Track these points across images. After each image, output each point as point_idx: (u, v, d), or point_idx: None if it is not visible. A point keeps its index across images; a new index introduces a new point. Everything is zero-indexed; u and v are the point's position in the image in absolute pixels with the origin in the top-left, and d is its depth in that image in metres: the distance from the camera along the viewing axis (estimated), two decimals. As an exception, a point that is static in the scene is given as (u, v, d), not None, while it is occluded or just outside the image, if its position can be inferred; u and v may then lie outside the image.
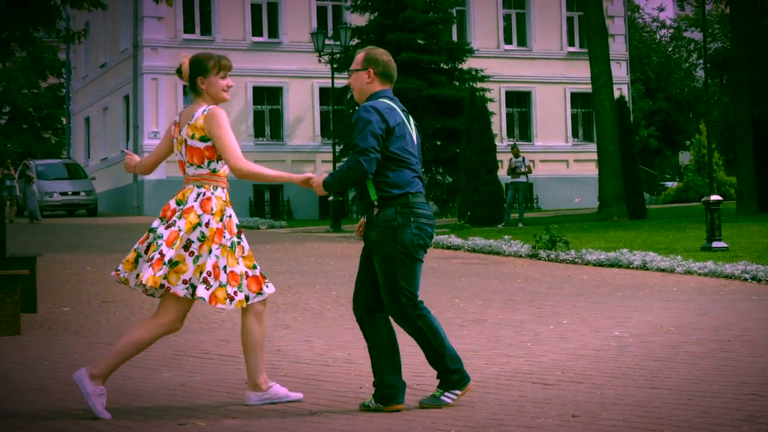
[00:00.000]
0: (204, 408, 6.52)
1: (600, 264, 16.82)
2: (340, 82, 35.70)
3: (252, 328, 6.51)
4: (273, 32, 41.62)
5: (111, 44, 44.54)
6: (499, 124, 42.32)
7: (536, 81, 44.64)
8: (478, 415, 6.06)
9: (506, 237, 21.03)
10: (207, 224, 6.35)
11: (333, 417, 6.17)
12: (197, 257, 6.31)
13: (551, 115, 44.76)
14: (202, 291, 6.26)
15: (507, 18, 45.24)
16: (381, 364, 6.36)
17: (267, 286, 6.53)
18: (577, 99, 45.35)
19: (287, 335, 10.03)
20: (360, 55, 6.51)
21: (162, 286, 6.30)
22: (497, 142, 32.70)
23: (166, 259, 6.26)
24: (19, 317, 10.65)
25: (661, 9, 61.99)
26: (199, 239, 6.34)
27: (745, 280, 13.99)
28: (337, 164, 33.17)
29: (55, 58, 53.72)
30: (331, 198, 29.54)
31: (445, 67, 38.78)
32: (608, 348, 8.55)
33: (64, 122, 54.75)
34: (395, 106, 6.38)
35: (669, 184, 53.49)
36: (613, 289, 13.54)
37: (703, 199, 19.11)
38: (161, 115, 40.13)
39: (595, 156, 33.25)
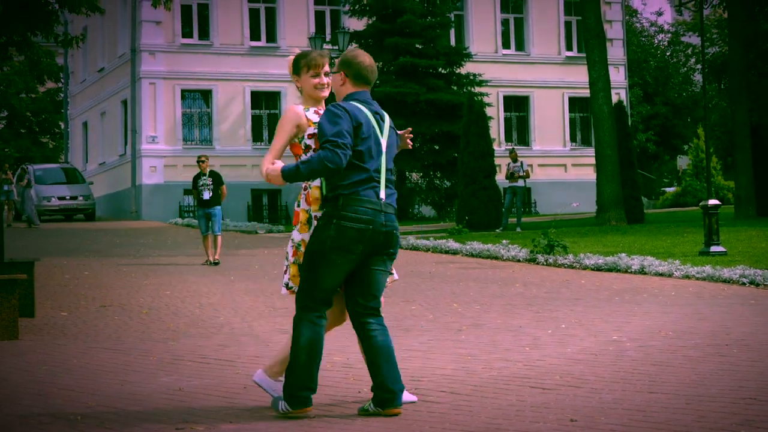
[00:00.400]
0: (202, 412, 6.51)
1: (598, 268, 16.82)
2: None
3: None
4: (271, 37, 41.62)
5: (109, 49, 44.54)
6: (497, 128, 42.33)
7: (534, 85, 44.66)
8: (477, 420, 6.06)
9: (504, 241, 21.03)
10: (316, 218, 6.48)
11: (331, 421, 6.17)
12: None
13: (549, 120, 44.77)
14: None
15: (505, 22, 45.27)
16: (377, 369, 6.34)
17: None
18: (575, 103, 45.37)
19: (286, 340, 10.02)
20: (339, 58, 6.58)
21: None
22: (495, 147, 32.71)
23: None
24: (17, 322, 10.65)
25: (659, 14, 62.05)
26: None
27: (743, 284, 13.99)
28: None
29: (53, 63, 53.73)
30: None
31: (443, 71, 38.81)
32: (606, 352, 8.54)
33: (62, 127, 54.73)
34: (363, 107, 6.37)
35: (669, 189, 53.49)
36: (611, 293, 13.54)
37: (701, 204, 19.12)
38: (159, 119, 40.12)
39: (593, 160, 33.27)
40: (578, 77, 42.18)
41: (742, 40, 31.58)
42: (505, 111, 44.43)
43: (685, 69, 60.37)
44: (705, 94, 23.23)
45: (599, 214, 29.31)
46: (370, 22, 38.70)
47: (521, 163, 28.62)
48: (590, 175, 38.79)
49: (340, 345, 9.31)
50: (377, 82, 37.63)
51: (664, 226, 26.98)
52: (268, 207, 40.88)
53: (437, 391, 7.01)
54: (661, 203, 47.23)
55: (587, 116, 43.44)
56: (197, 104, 41.10)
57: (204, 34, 41.09)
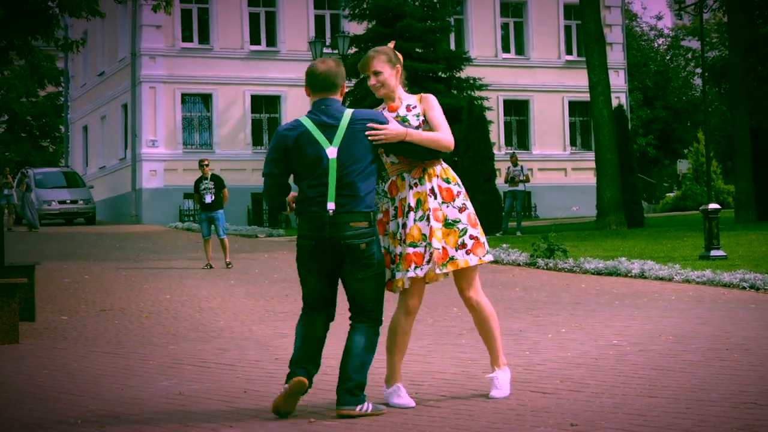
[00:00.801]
0: (202, 416, 6.51)
1: (598, 272, 16.82)
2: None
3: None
4: (271, 41, 41.65)
5: (109, 53, 44.56)
6: (497, 132, 42.35)
7: (534, 89, 44.67)
8: (477, 424, 6.06)
9: (504, 245, 21.03)
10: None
11: (331, 426, 6.17)
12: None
13: (549, 124, 44.78)
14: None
15: (505, 27, 45.29)
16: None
17: (420, 269, 6.66)
18: (575, 107, 45.38)
19: (286, 344, 10.03)
20: None
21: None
22: (495, 151, 32.73)
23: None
24: (18, 325, 10.65)
25: (659, 18, 62.07)
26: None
27: (744, 288, 13.99)
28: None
29: (54, 67, 53.71)
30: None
31: (443, 75, 38.81)
32: (606, 356, 8.54)
33: (63, 131, 54.75)
34: (307, 120, 6.58)
35: (671, 194, 53.49)
36: (612, 297, 13.54)
37: (701, 208, 19.11)
38: (159, 123, 40.13)
39: (593, 164, 33.28)
40: (578, 81, 42.20)
41: (742, 44, 31.59)
42: (505, 115, 44.44)
43: (685, 73, 60.39)
44: (705, 98, 23.24)
45: (599, 218, 29.31)
46: (370, 26, 38.70)
47: (521, 167, 28.62)
48: (590, 179, 38.80)
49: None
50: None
51: (664, 230, 26.99)
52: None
53: (437, 395, 7.01)
54: (661, 207, 47.24)
55: (587, 120, 43.46)
56: (197, 108, 41.12)
57: (204, 38, 41.10)
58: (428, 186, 6.62)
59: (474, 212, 6.77)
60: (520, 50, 45.25)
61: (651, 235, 25.35)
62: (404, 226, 6.59)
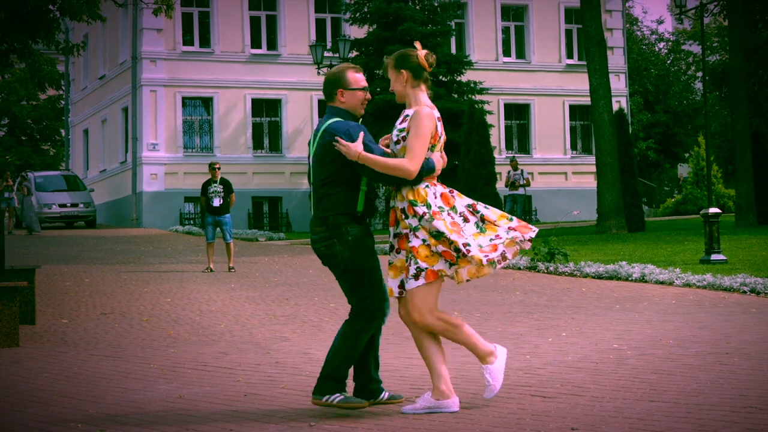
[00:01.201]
0: (202, 420, 6.51)
1: (599, 276, 16.82)
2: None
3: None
4: (272, 44, 41.65)
5: (110, 56, 44.58)
6: (497, 136, 42.34)
7: (535, 93, 44.67)
8: (477, 428, 6.06)
9: (505, 249, 21.01)
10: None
11: (331, 429, 6.16)
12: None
13: (550, 128, 44.78)
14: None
15: (506, 30, 45.30)
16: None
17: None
18: (575, 111, 45.37)
19: (286, 347, 10.03)
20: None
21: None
22: (496, 155, 32.73)
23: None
24: (18, 329, 10.65)
25: (660, 22, 62.09)
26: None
27: (744, 292, 13.99)
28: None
29: (54, 70, 53.77)
30: None
31: (444, 79, 38.82)
32: (607, 361, 8.54)
33: (63, 134, 54.78)
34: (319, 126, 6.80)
35: (672, 198, 53.49)
36: (612, 301, 13.53)
37: (701, 212, 19.11)
38: (160, 127, 40.14)
39: (593, 168, 33.26)
40: (579, 85, 42.21)
41: (742, 49, 31.60)
42: (505, 119, 44.43)
43: (686, 77, 60.42)
44: (706, 102, 23.26)
45: (600, 222, 29.30)
46: (370, 29, 38.73)
47: (521, 171, 28.64)
48: (591, 183, 38.80)
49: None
50: (378, 90, 37.71)
51: (664, 234, 26.98)
52: (268, 215, 40.88)
53: (438, 399, 6.99)
54: (661, 211, 47.22)
55: (588, 124, 43.47)
56: (198, 112, 41.12)
57: (205, 41, 41.11)
58: (399, 205, 6.61)
59: (450, 226, 6.55)
60: (520, 54, 45.26)
61: (651, 239, 25.34)
62: (397, 236, 6.66)
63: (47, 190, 39.80)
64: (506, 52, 45.01)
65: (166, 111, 40.23)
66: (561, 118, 45.07)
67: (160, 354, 9.76)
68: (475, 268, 6.55)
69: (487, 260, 6.47)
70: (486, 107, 37.71)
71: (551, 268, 18.04)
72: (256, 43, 41.48)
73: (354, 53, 38.36)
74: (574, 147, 45.51)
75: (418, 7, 38.80)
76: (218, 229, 20.01)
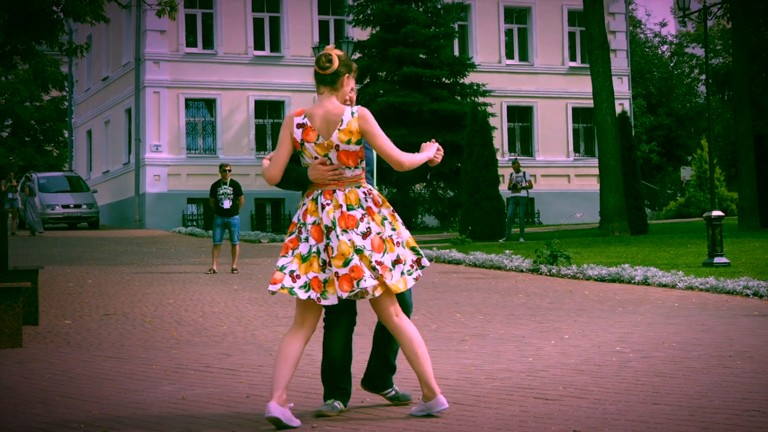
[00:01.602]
0: (205, 421, 6.51)
1: (601, 279, 16.82)
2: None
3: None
4: (275, 46, 41.68)
5: (113, 58, 44.61)
6: (500, 138, 42.36)
7: (538, 96, 44.68)
8: (480, 431, 6.06)
9: (507, 252, 21.03)
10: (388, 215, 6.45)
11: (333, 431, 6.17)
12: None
13: (553, 130, 44.78)
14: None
15: (509, 33, 45.31)
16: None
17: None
18: (578, 114, 45.37)
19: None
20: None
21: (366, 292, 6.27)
22: (498, 157, 32.71)
23: (390, 263, 6.31)
24: (21, 330, 10.66)
25: (663, 24, 62.09)
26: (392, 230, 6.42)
27: (747, 295, 13.99)
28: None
29: (58, 72, 53.83)
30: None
31: (446, 81, 38.84)
32: (610, 363, 8.54)
33: (66, 135, 54.82)
34: None
35: (675, 201, 53.44)
36: (615, 304, 13.53)
37: (704, 215, 19.11)
38: (163, 128, 40.17)
39: (596, 171, 33.26)
40: (582, 87, 42.22)
41: (745, 51, 31.60)
42: (508, 121, 44.44)
43: (689, 80, 60.41)
44: (709, 105, 23.29)
45: (602, 224, 29.30)
46: (374, 32, 38.75)
47: (524, 173, 28.63)
48: (594, 185, 38.80)
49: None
50: (380, 92, 37.73)
51: (667, 237, 26.97)
52: (271, 216, 40.90)
53: (440, 401, 6.99)
54: (664, 214, 47.20)
55: (591, 127, 43.46)
56: (201, 113, 41.16)
57: (208, 43, 41.15)
58: (337, 212, 6.35)
59: (390, 233, 6.38)
60: (523, 56, 45.27)
61: (654, 242, 25.34)
62: (327, 247, 6.30)
63: (50, 191, 39.85)
64: (509, 55, 45.03)
65: (169, 112, 40.26)
66: (564, 121, 45.07)
67: (163, 355, 9.77)
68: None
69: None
70: (489, 109, 37.72)
71: (554, 271, 18.04)
72: (259, 44, 41.51)
73: (357, 55, 38.38)
74: (576, 149, 45.51)
75: (421, 10, 38.83)
76: (226, 231, 20.04)
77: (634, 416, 6.29)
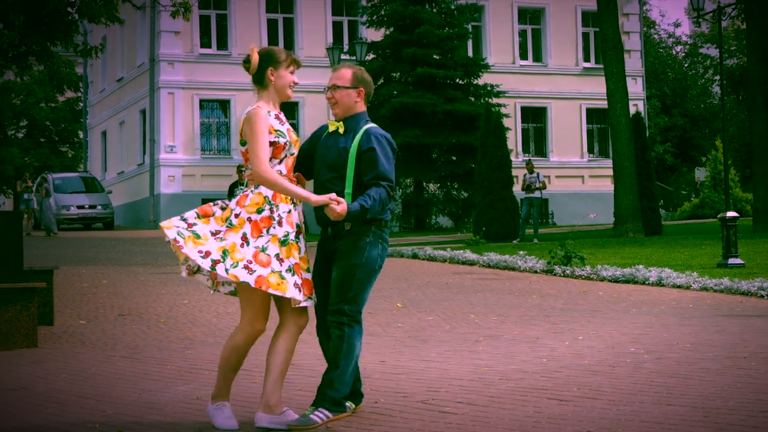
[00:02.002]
0: (220, 422, 6.52)
1: (615, 280, 16.79)
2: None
3: (280, 346, 6.43)
4: (289, 47, 41.73)
5: (128, 59, 44.74)
6: (514, 139, 42.35)
7: (552, 96, 44.65)
8: (494, 431, 6.06)
9: (521, 252, 21.01)
10: (237, 215, 6.26)
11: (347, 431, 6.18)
12: (222, 240, 6.24)
13: (567, 131, 44.75)
14: (244, 275, 6.14)
15: (522, 33, 45.29)
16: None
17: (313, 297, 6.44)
18: (592, 115, 45.33)
19: (301, 349, 10.04)
20: (347, 72, 6.52)
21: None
22: (512, 158, 32.70)
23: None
24: (37, 330, 10.70)
25: (677, 25, 62.07)
26: (227, 226, 6.28)
27: (762, 296, 13.95)
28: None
29: (73, 73, 53.92)
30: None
31: (460, 82, 38.84)
32: (624, 364, 8.53)
33: (81, 136, 54.97)
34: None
35: (690, 202, 53.35)
36: (629, 305, 13.52)
37: (719, 216, 19.06)
38: (177, 129, 40.26)
39: (610, 172, 33.21)
40: (596, 88, 42.16)
41: (760, 52, 31.49)
42: (522, 122, 44.43)
43: (703, 80, 60.29)
44: (723, 105, 23.23)
45: (617, 225, 29.24)
46: (387, 32, 38.77)
47: (537, 174, 28.62)
48: (608, 186, 38.74)
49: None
50: (394, 92, 37.73)
51: (681, 238, 26.90)
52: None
53: (454, 402, 7.00)
54: (678, 215, 47.12)
55: (605, 127, 43.40)
56: (215, 114, 41.24)
57: (222, 44, 41.23)
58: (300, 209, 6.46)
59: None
60: (537, 57, 45.25)
61: (668, 242, 25.28)
62: (295, 243, 6.35)
63: (66, 192, 39.98)
64: (523, 55, 45.01)
65: (184, 113, 40.35)
66: (578, 122, 45.04)
67: (178, 355, 9.79)
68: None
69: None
70: (503, 110, 37.70)
71: (568, 272, 18.02)
72: (273, 45, 41.49)
73: (371, 56, 38.41)
74: (591, 150, 45.47)
75: (435, 10, 38.84)
76: None
77: (648, 417, 6.29)
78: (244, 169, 6.59)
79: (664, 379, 7.70)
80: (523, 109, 44.39)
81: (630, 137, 29.23)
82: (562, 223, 42.29)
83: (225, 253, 6.18)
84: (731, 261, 18.09)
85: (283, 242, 6.26)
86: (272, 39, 41.50)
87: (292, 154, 6.44)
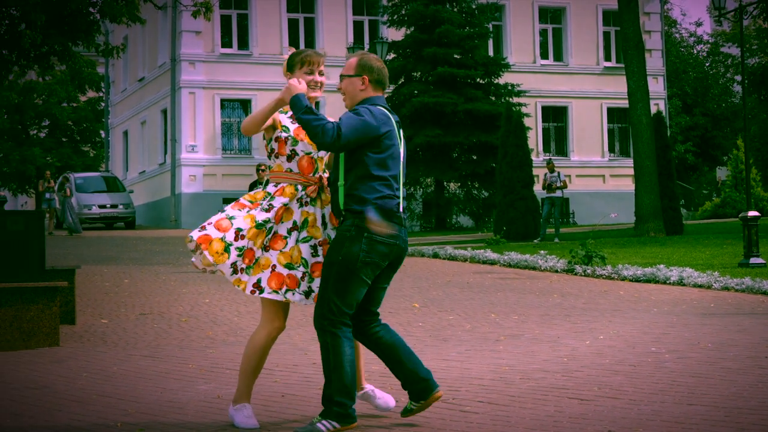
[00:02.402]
0: (241, 420, 6.54)
1: (636, 279, 16.75)
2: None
3: (248, 343, 6.51)
4: (310, 46, 41.74)
5: (149, 58, 44.87)
6: (535, 138, 42.27)
7: (572, 96, 44.55)
8: (514, 431, 6.06)
9: (542, 252, 20.98)
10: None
11: (368, 428, 6.18)
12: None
13: (587, 130, 44.65)
14: (194, 231, 6.29)
15: (543, 33, 45.20)
16: (399, 365, 6.32)
17: (293, 293, 6.32)
18: (613, 114, 45.21)
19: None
20: (353, 60, 6.36)
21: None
22: (533, 157, 32.64)
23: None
24: (59, 329, 10.75)
25: (699, 24, 61.75)
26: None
27: (784, 296, 13.90)
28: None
29: (94, 72, 54.13)
30: None
31: (481, 81, 38.80)
32: (645, 364, 8.51)
33: (103, 136, 55.15)
34: (390, 114, 6.24)
35: (711, 201, 53.15)
36: (650, 304, 13.48)
37: (740, 215, 18.99)
38: (199, 128, 40.35)
39: (631, 171, 33.11)
40: (617, 87, 42.04)
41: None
42: (543, 121, 44.35)
43: (725, 80, 60.03)
44: (745, 105, 23.09)
45: (638, 225, 29.16)
46: (408, 32, 38.76)
47: (558, 173, 28.57)
48: (629, 185, 38.62)
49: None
50: (415, 92, 37.72)
51: (703, 238, 26.81)
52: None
53: (475, 401, 7.01)
54: (700, 214, 46.93)
55: (626, 127, 43.27)
56: (236, 114, 41.32)
57: (243, 44, 41.31)
58: (319, 212, 6.32)
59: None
60: (558, 56, 45.16)
61: (690, 242, 25.20)
62: (275, 233, 6.27)
63: (87, 191, 40.13)
64: (544, 55, 44.93)
65: (205, 113, 40.44)
66: (599, 121, 44.92)
67: (199, 354, 9.82)
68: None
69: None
70: (523, 110, 37.62)
71: (589, 271, 17.99)
72: (294, 45, 41.55)
73: (391, 55, 38.41)
74: (611, 150, 45.35)
75: (455, 10, 38.80)
76: None
77: (669, 417, 6.28)
78: (263, 168, 6.67)
79: (685, 379, 7.68)
80: (544, 109, 44.32)
81: (651, 136, 29.14)
82: (582, 222, 42.19)
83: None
84: (753, 260, 18.03)
85: (258, 226, 6.21)
86: (293, 39, 41.57)
87: (307, 153, 6.39)
